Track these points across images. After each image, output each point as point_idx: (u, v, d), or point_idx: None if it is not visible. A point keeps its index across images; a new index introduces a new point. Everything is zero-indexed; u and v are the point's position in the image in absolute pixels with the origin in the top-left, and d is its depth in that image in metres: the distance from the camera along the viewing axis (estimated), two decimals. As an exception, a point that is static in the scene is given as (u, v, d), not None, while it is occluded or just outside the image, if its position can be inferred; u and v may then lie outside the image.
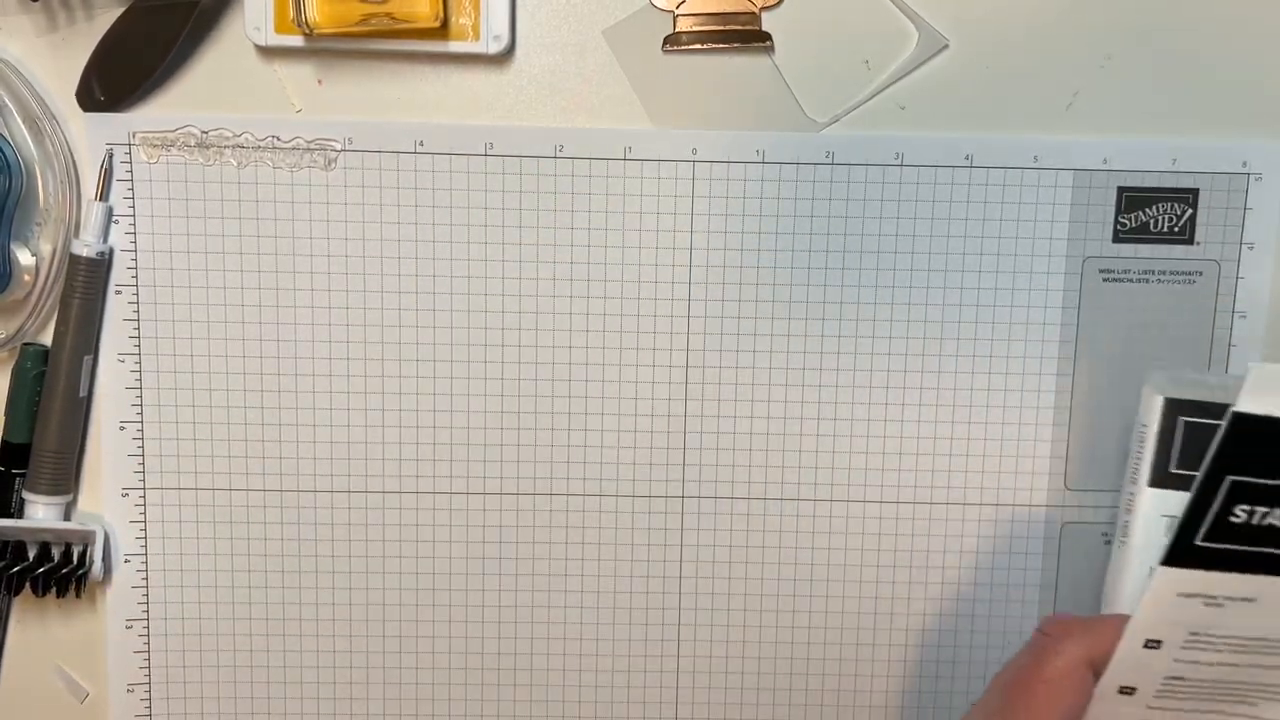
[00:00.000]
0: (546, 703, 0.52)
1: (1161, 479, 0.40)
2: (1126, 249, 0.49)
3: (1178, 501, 0.38)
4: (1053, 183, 0.48)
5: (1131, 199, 0.48)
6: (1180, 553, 0.34)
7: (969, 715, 0.40)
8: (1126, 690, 0.37)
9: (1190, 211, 0.48)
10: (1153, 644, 0.36)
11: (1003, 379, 0.49)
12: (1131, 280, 0.49)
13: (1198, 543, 0.34)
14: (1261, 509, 0.33)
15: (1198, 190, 0.48)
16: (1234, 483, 0.33)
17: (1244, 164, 0.48)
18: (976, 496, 0.50)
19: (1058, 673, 0.37)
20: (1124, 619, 0.37)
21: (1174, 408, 0.39)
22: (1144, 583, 0.38)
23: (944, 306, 0.49)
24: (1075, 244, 0.49)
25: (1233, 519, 0.34)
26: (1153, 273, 0.49)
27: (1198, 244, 0.48)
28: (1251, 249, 0.49)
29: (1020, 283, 0.49)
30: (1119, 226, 0.48)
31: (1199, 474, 0.33)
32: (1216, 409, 0.37)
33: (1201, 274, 0.49)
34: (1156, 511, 0.40)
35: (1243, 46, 0.48)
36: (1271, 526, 0.34)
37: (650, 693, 0.52)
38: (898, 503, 0.50)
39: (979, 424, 0.50)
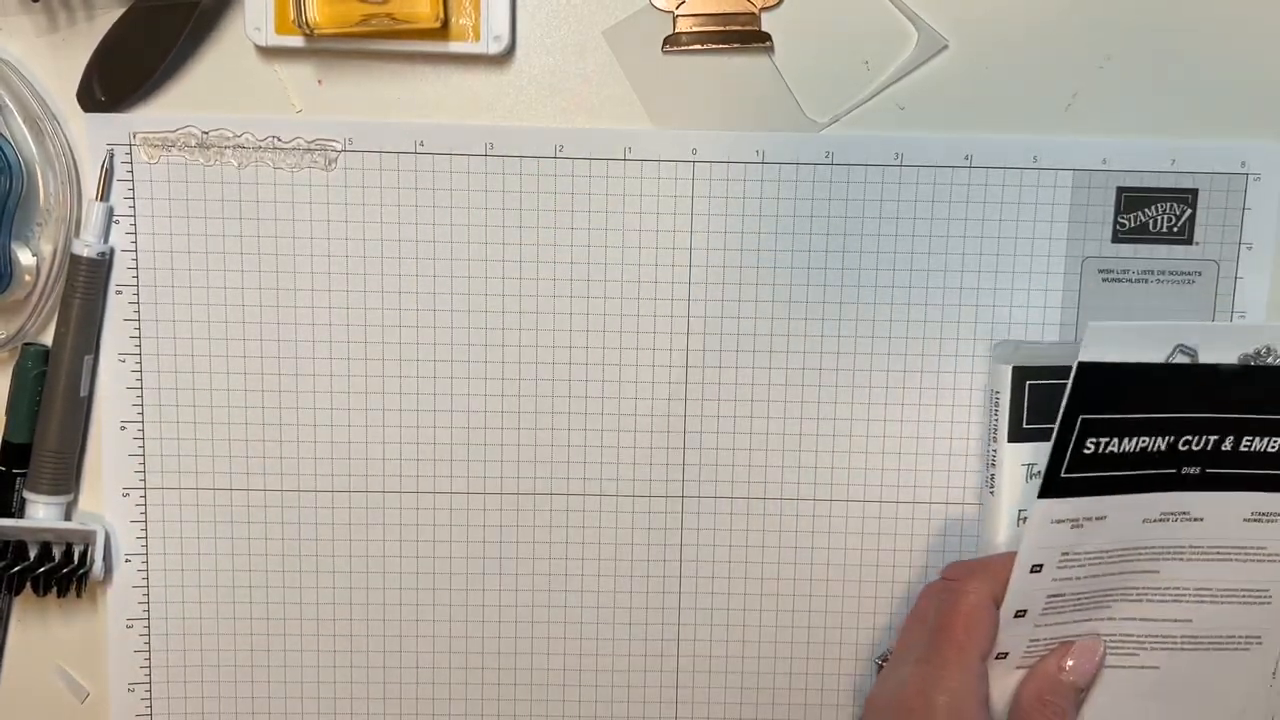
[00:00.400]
0: (546, 702, 0.52)
1: (1017, 434, 0.47)
2: (1126, 249, 0.49)
3: (1032, 451, 0.47)
4: (1052, 183, 0.48)
5: (1131, 199, 0.48)
6: (1051, 485, 0.42)
7: (894, 659, 0.46)
8: (1020, 614, 0.44)
9: (1189, 212, 0.48)
10: (1036, 569, 0.43)
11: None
12: (1130, 280, 0.49)
13: (1063, 475, 0.42)
14: (1104, 439, 0.41)
15: (1197, 190, 0.48)
16: (1084, 420, 0.41)
17: (1243, 164, 0.48)
18: (976, 496, 0.50)
19: (971, 608, 0.43)
20: (1006, 556, 0.44)
21: (1020, 374, 0.47)
22: (1014, 523, 0.47)
23: (944, 306, 0.49)
24: (1074, 244, 0.49)
25: (1085, 451, 0.41)
26: (1152, 273, 0.49)
27: (1197, 244, 0.49)
28: (1250, 249, 0.49)
29: (1020, 283, 0.49)
30: (1118, 226, 0.48)
31: (1059, 416, 0.41)
32: (1055, 370, 0.46)
33: (1200, 274, 0.49)
34: (1016, 462, 0.47)
35: (1243, 46, 0.48)
36: (1111, 453, 0.42)
37: (650, 693, 0.52)
38: (897, 502, 0.50)
39: (979, 424, 0.50)
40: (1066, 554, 0.43)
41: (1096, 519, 0.43)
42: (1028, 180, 0.48)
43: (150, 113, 0.48)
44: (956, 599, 0.44)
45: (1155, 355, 0.41)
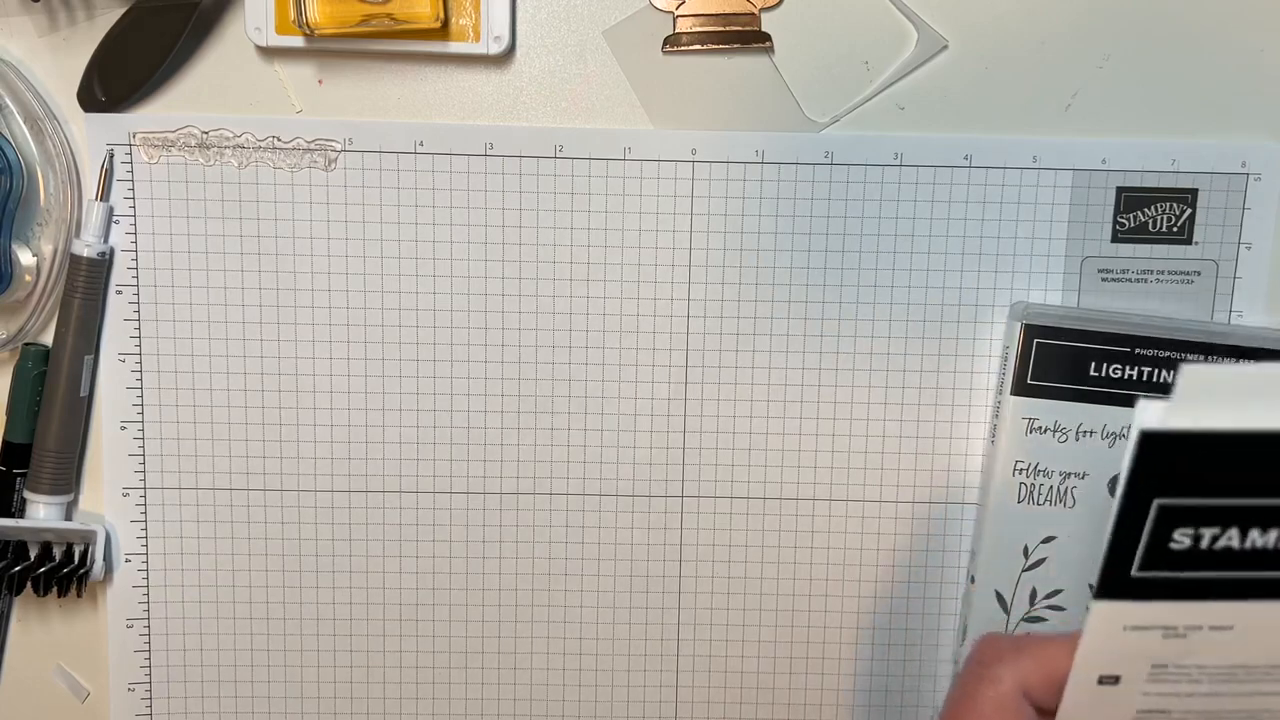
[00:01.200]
0: (546, 702, 0.52)
1: (1021, 388, 0.48)
2: (1125, 249, 0.49)
3: (1033, 406, 0.48)
4: (1052, 183, 0.48)
5: (1130, 199, 0.48)
6: (1113, 586, 0.32)
7: None
8: None
9: (1189, 212, 0.48)
10: (1109, 680, 0.34)
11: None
12: (1130, 280, 0.49)
13: (1134, 574, 0.32)
14: (1207, 530, 0.31)
15: (1197, 190, 0.48)
16: (1163, 506, 0.30)
17: (1243, 164, 0.48)
18: (976, 496, 0.50)
19: (993, 704, 0.35)
20: (1055, 639, 0.35)
21: (1030, 332, 0.47)
22: (1010, 472, 0.48)
23: (943, 306, 0.49)
24: (1074, 244, 0.49)
25: (1174, 545, 0.31)
26: (1151, 273, 0.49)
27: (1196, 244, 0.49)
28: (1249, 249, 0.49)
29: (1019, 283, 0.49)
30: (1118, 226, 0.48)
31: (1117, 501, 0.30)
32: (1063, 332, 0.47)
33: (1200, 274, 0.49)
34: (1018, 415, 0.48)
35: (1243, 46, 0.48)
36: (1228, 549, 0.31)
37: (650, 692, 0.52)
38: (897, 502, 0.50)
39: (979, 424, 0.50)
40: (1163, 666, 0.34)
41: (1212, 628, 0.33)
42: (1028, 180, 0.48)
43: (150, 113, 0.48)
44: (979, 687, 0.35)
45: (1271, 405, 0.29)
